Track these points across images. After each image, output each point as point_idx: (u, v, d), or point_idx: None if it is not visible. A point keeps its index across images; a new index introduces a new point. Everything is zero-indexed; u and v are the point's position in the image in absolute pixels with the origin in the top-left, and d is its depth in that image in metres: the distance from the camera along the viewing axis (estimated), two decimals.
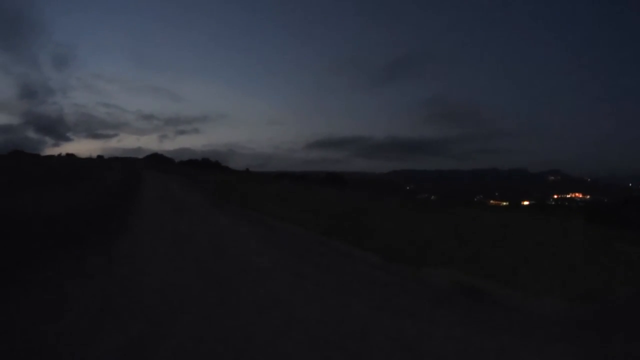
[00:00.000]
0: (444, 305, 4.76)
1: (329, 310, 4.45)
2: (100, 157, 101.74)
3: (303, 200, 16.19)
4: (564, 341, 3.79)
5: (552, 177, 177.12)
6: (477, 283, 5.42)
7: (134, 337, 3.63)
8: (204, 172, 51.74)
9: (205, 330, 3.83)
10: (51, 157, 79.92)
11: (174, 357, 3.29)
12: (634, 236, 8.09)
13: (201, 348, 3.46)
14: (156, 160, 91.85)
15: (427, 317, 4.34)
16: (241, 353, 3.37)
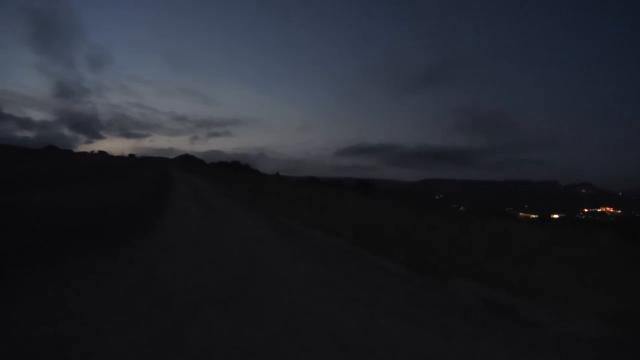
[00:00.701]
0: (469, 320, 4.71)
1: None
2: (132, 155, 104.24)
3: (338, 208, 16.30)
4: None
5: (583, 190, 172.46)
6: (505, 299, 5.42)
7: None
8: (234, 173, 52.49)
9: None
10: (83, 153, 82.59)
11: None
12: None
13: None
14: (187, 161, 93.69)
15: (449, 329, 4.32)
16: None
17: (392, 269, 7.14)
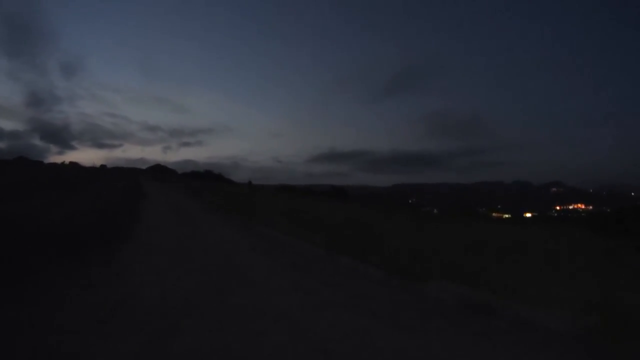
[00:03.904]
0: (446, 318, 4.81)
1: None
2: (103, 166, 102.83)
3: (311, 215, 16.24)
4: (572, 351, 3.87)
5: (555, 189, 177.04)
6: (481, 296, 5.42)
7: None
8: (205, 184, 51.92)
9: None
10: (54, 164, 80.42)
11: None
12: (636, 245, 8.13)
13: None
14: (159, 171, 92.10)
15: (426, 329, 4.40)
16: None
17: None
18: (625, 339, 4.02)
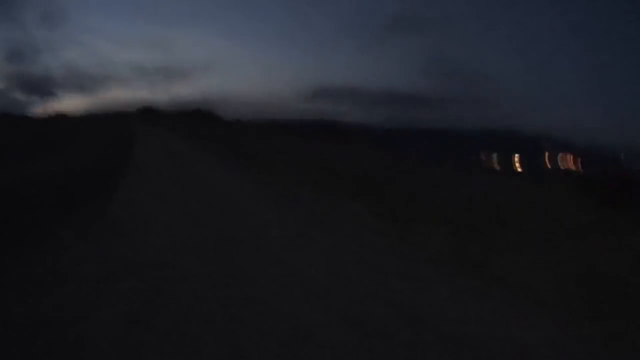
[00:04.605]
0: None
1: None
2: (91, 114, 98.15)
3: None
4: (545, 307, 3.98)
5: (547, 142, 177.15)
6: (475, 252, 5.52)
7: None
8: (195, 123, 50.54)
9: None
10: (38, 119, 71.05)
11: None
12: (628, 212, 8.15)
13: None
14: (148, 113, 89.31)
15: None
16: None
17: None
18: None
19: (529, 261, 5.24)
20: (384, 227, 6.70)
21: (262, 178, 10.82)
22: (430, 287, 4.31)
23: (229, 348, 2.89)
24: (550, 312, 3.89)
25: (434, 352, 2.99)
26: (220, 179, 10.98)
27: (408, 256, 5.37)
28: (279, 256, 4.98)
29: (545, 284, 4.55)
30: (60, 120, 62.14)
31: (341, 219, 7.24)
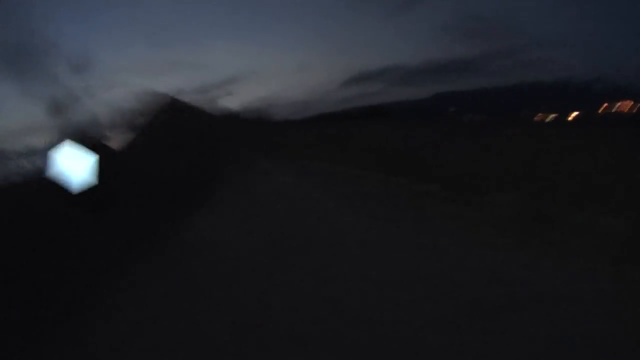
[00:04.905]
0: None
1: None
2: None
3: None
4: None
5: (599, 86, 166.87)
6: (541, 207, 5.53)
7: None
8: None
9: None
10: None
11: None
12: None
13: None
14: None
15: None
16: None
17: None
18: None
19: (603, 217, 5.12)
20: (456, 199, 6.75)
21: (326, 167, 11.14)
22: (510, 253, 4.39)
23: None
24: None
25: (529, 311, 3.18)
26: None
27: (482, 224, 5.42)
28: (354, 249, 5.13)
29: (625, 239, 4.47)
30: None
31: (413, 197, 7.37)
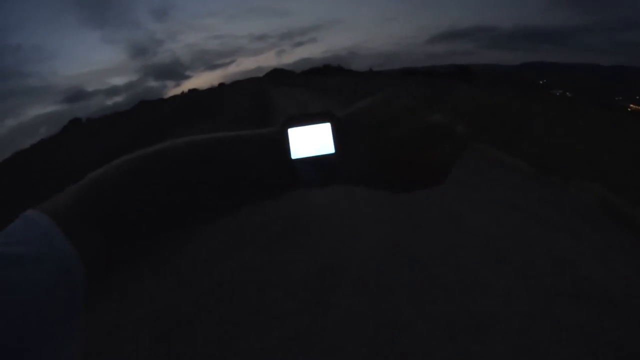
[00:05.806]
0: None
1: None
2: (221, 84, 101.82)
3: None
4: None
5: None
6: (625, 205, 5.21)
7: None
8: (324, 78, 49.72)
9: None
10: (173, 97, 79.49)
11: None
12: None
13: None
14: (276, 75, 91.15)
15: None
16: None
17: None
18: None
19: None
20: (538, 176, 6.66)
21: None
22: (584, 239, 4.31)
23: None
24: None
25: (594, 302, 3.20)
26: None
27: (560, 206, 5.34)
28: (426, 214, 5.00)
29: None
30: (193, 95, 67.13)
31: (491, 167, 7.21)
